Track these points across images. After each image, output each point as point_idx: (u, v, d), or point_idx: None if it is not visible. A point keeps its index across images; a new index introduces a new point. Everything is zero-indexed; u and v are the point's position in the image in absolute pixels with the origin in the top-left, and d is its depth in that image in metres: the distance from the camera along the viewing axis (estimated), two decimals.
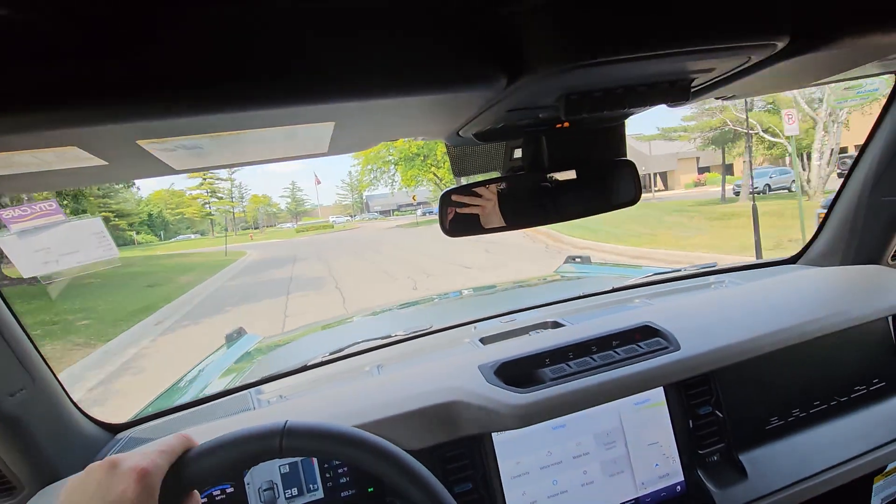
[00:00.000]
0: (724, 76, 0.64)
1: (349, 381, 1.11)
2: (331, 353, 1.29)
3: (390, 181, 33.98)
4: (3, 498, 0.79)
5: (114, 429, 1.01)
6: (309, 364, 1.20)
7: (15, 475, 0.78)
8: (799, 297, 1.13)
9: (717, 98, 0.85)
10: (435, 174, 29.45)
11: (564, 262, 2.96)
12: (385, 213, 68.76)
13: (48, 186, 0.58)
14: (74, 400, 0.93)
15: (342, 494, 0.90)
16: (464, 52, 0.47)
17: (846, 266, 1.27)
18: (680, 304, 1.16)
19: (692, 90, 0.65)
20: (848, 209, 1.24)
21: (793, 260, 1.46)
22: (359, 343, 1.30)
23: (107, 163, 0.50)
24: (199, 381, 1.60)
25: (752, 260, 1.59)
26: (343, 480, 0.92)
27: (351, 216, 70.31)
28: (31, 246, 0.72)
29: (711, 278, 1.41)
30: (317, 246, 22.79)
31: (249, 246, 29.82)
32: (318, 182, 56.24)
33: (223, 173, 50.56)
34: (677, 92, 0.63)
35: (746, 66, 0.60)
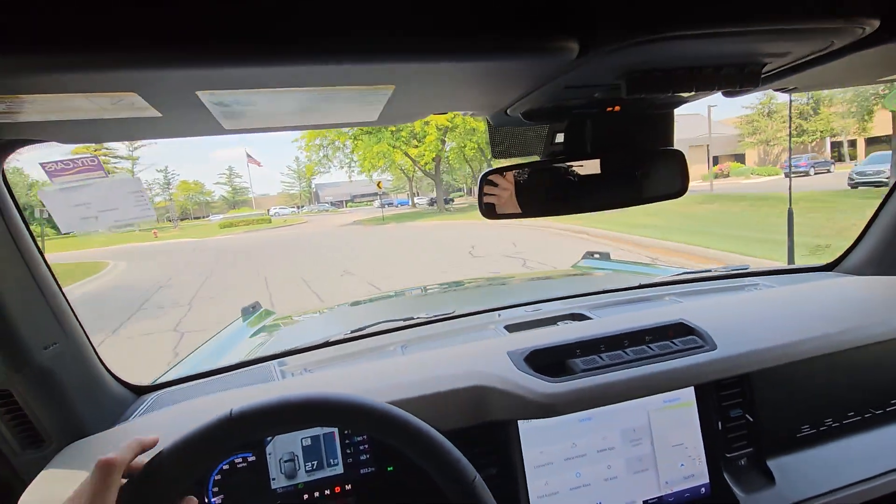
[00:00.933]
0: (799, 62, 0.61)
1: (373, 358, 1.10)
2: (352, 331, 1.29)
3: (346, 163, 27.02)
4: (31, 449, 0.80)
5: (139, 390, 1.02)
6: (332, 340, 1.20)
7: (45, 428, 0.78)
8: (839, 304, 1.09)
9: (779, 89, 0.82)
10: (406, 153, 23.02)
11: (583, 258, 2.92)
12: (337, 203, 60.03)
13: (99, 137, 0.57)
14: (103, 360, 0.94)
15: (361, 471, 0.90)
16: (538, 19, 0.45)
17: (889, 276, 1.22)
18: (713, 303, 1.13)
19: (762, 76, 0.62)
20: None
21: (829, 267, 1.41)
22: (381, 323, 1.29)
23: (161, 115, 0.49)
24: (218, 350, 1.61)
25: (785, 265, 1.55)
26: (364, 457, 0.91)
27: (298, 207, 60.71)
28: (72, 200, 0.72)
29: (744, 280, 1.38)
30: (235, 254, 14.94)
31: (139, 250, 19.22)
32: (258, 164, 43.07)
33: (122, 150, 41.59)
34: (746, 77, 0.60)
35: (826, 51, 0.56)
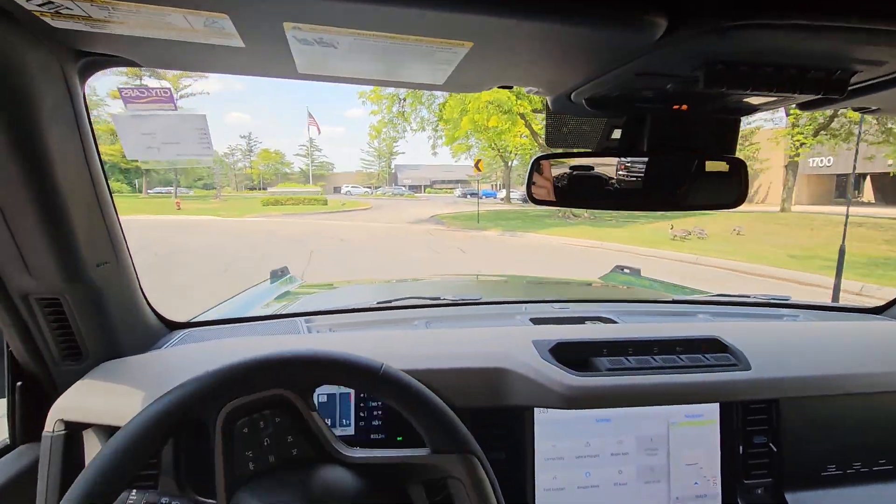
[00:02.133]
0: (893, 76, 0.58)
1: (397, 328, 1.11)
2: (378, 302, 1.30)
3: (429, 125, 19.69)
4: (70, 361, 0.84)
5: (172, 325, 1.06)
6: (358, 307, 1.22)
7: (85, 342, 0.82)
8: (884, 347, 1.04)
9: (860, 109, 0.78)
10: (527, 121, 15.66)
11: (612, 270, 2.87)
12: (415, 188, 54.76)
13: (181, 63, 0.59)
14: (144, 290, 0.98)
15: (371, 437, 0.91)
16: None
17: None
18: (750, 326, 1.09)
19: (849, 87, 0.59)
20: None
21: (878, 310, 1.34)
22: (408, 298, 1.30)
23: (243, 45, 0.50)
24: (245, 305, 1.65)
25: (829, 302, 1.48)
26: (376, 423, 0.92)
27: (373, 188, 54.25)
28: (140, 128, 0.75)
29: (784, 311, 1.32)
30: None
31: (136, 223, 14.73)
32: (318, 128, 37.98)
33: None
34: (833, 84, 0.57)
35: None
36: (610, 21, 0.44)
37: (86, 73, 0.64)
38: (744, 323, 1.15)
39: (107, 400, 0.77)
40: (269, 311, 1.55)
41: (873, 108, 0.76)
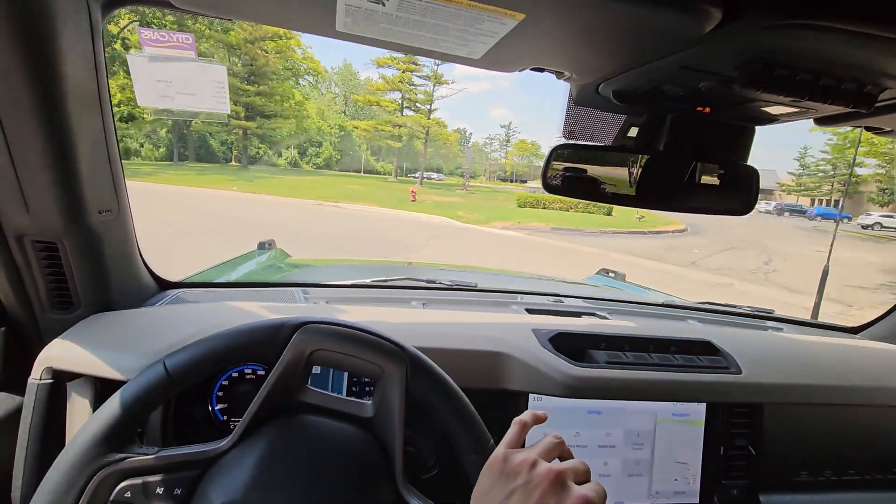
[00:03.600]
0: None
1: (394, 306, 1.10)
2: (374, 280, 1.29)
3: None
4: (59, 310, 0.81)
5: (164, 284, 1.03)
6: (356, 283, 1.20)
7: (77, 292, 0.79)
8: (864, 362, 1.08)
9: (874, 129, 0.80)
10: None
11: (597, 273, 2.91)
12: None
13: (212, 5, 0.56)
14: (140, 247, 0.95)
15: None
16: None
17: None
18: (738, 333, 1.12)
19: (876, 104, 0.60)
20: None
21: (854, 331, 1.40)
22: (403, 279, 1.30)
23: None
24: (236, 272, 1.62)
25: (809, 319, 1.53)
26: (366, 398, 0.92)
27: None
28: (156, 74, 0.72)
29: (768, 323, 1.36)
30: None
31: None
32: None
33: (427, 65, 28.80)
34: (862, 98, 0.59)
35: None
36: (667, 4, 0.44)
37: (109, 7, 0.61)
38: (733, 329, 1.18)
39: (98, 352, 0.74)
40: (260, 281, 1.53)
41: (887, 129, 0.78)
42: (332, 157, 39.59)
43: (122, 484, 0.52)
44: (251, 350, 0.58)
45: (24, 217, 0.67)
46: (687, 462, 0.94)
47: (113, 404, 0.54)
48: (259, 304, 0.91)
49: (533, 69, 0.70)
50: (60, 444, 0.75)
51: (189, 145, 30.49)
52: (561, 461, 0.50)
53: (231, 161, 33.32)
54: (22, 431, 0.72)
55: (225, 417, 0.87)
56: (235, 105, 24.76)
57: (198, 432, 0.84)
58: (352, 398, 0.63)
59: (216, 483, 0.53)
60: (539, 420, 0.57)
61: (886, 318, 1.34)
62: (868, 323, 1.38)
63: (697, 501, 0.94)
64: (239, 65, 25.59)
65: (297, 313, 0.76)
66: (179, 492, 0.53)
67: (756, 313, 1.41)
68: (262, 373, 0.89)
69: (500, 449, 0.52)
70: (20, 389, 0.74)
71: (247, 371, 0.89)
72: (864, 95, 0.58)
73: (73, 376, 0.75)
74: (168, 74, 0.72)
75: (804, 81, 0.57)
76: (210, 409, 0.86)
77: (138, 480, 0.53)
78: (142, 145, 29.73)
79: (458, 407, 0.62)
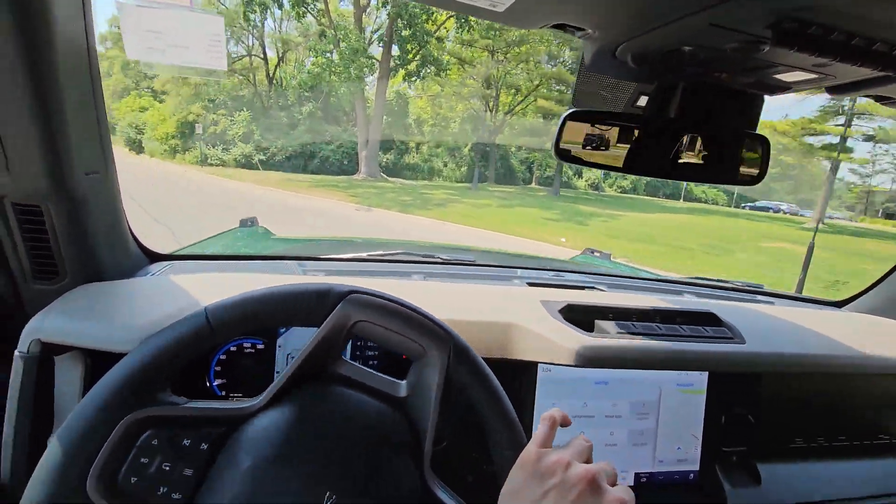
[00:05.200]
0: None
1: (394, 278, 1.07)
2: (370, 254, 1.26)
3: None
4: (43, 281, 0.76)
5: (153, 256, 0.98)
6: (354, 256, 1.17)
7: (63, 261, 0.74)
8: (848, 334, 1.11)
9: (882, 99, 0.80)
10: None
11: (583, 252, 2.93)
12: None
13: None
14: (126, 217, 0.89)
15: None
16: None
17: None
18: (734, 306, 1.14)
19: None
20: None
21: (839, 304, 1.44)
22: (401, 253, 1.27)
23: None
24: (222, 246, 1.56)
25: (795, 293, 1.57)
26: (372, 363, 0.90)
27: None
28: (146, 23, 0.66)
29: (759, 297, 1.39)
30: None
31: None
32: None
33: None
34: (890, 60, 0.58)
35: None
36: None
37: None
38: (730, 302, 1.19)
39: (89, 324, 0.69)
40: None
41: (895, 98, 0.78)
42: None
43: (150, 431, 0.49)
44: (295, 313, 0.56)
45: (4, 176, 0.61)
46: (689, 431, 0.95)
47: (147, 349, 0.50)
48: (263, 276, 0.87)
49: (555, 26, 0.67)
50: (49, 420, 0.71)
51: (490, 163, 24.04)
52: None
53: (531, 183, 25.74)
54: (9, 408, 0.67)
55: (224, 393, 0.84)
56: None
57: None
58: (386, 376, 0.60)
59: (244, 444, 0.51)
60: (566, 423, 0.56)
61: (869, 291, 1.38)
62: (852, 297, 1.42)
63: (698, 468, 0.96)
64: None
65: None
66: (205, 447, 0.51)
67: (746, 287, 1.44)
68: (261, 347, 0.86)
69: (532, 447, 0.51)
70: (4, 365, 0.69)
71: (246, 345, 0.85)
72: (894, 57, 0.57)
73: (61, 350, 0.71)
74: (159, 24, 0.67)
75: (837, 42, 0.56)
76: (208, 383, 0.83)
77: (165, 430, 0.50)
78: (445, 164, 24.39)
79: (498, 402, 0.60)
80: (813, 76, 0.72)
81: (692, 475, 0.96)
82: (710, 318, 0.98)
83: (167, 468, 0.50)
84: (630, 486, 0.92)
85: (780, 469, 0.98)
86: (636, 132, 0.86)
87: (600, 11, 0.59)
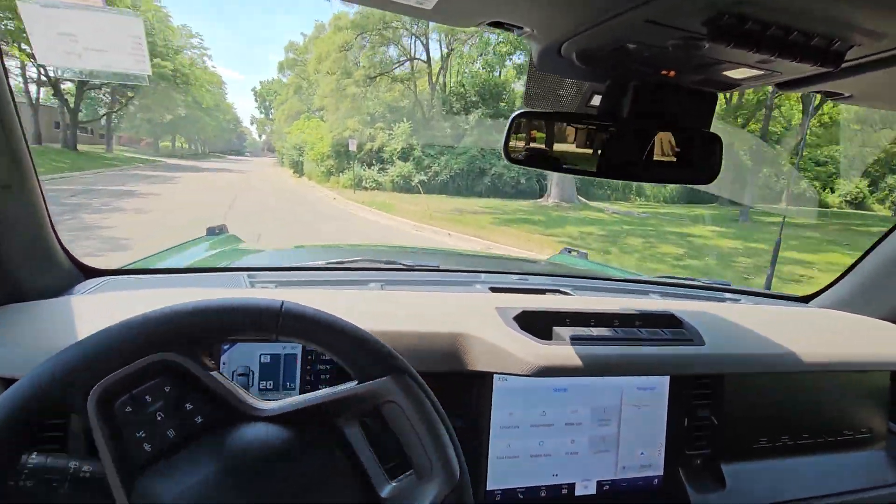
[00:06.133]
0: (884, 55, 0.58)
1: (350, 289, 1.04)
2: (329, 262, 1.22)
3: None
4: None
5: (89, 272, 0.92)
6: (308, 265, 1.13)
7: None
8: (811, 330, 1.11)
9: (833, 94, 0.79)
10: None
11: (560, 252, 2.92)
12: None
13: None
14: (58, 232, 0.84)
15: None
16: None
17: (864, 316, 1.25)
18: (698, 306, 1.13)
19: (843, 62, 0.58)
20: (885, 263, 1.22)
21: (805, 300, 1.44)
22: (362, 260, 1.23)
23: None
24: (179, 258, 1.50)
25: (763, 290, 1.57)
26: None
27: None
28: (57, 25, 0.62)
29: (726, 295, 1.39)
30: None
31: None
32: None
33: None
34: (830, 55, 0.57)
35: None
36: None
37: None
38: (694, 303, 1.18)
39: (6, 349, 0.65)
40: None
41: (846, 94, 0.77)
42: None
43: (167, 377, 0.52)
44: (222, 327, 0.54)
45: None
46: (652, 435, 0.94)
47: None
48: (189, 291, 0.82)
49: (492, 24, 0.64)
50: None
51: None
52: None
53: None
54: None
55: None
56: None
57: None
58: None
59: (227, 443, 0.52)
60: None
61: (833, 286, 1.39)
62: (817, 292, 1.42)
63: (662, 473, 0.94)
64: None
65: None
66: (199, 421, 0.53)
67: (713, 285, 1.43)
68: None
69: None
70: None
71: None
72: (833, 53, 0.56)
73: None
74: (72, 27, 0.62)
75: (774, 37, 0.54)
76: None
77: (180, 383, 0.52)
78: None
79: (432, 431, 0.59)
80: (759, 73, 0.70)
81: (656, 481, 0.94)
82: (669, 320, 0.97)
83: (159, 418, 0.51)
84: (592, 495, 0.91)
85: (744, 470, 0.97)
86: (587, 132, 0.84)
87: (535, 10, 0.57)
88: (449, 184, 16.78)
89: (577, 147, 0.85)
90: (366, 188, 16.72)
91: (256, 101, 52.37)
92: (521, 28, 0.64)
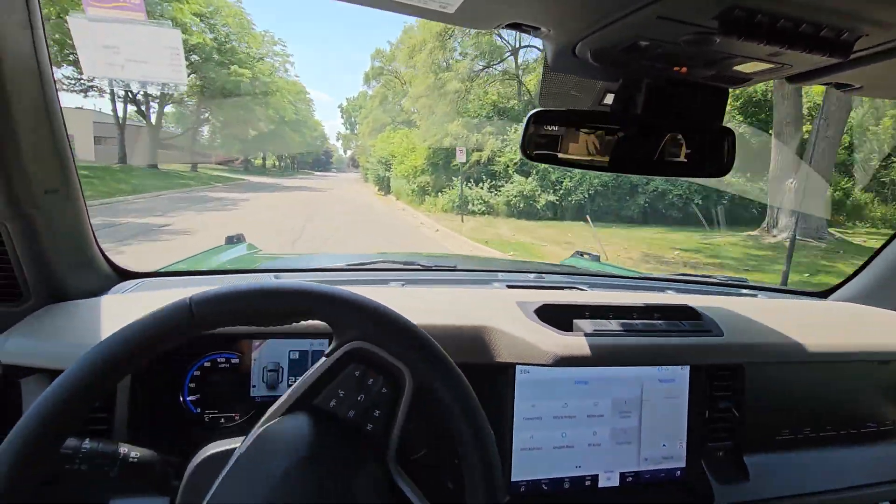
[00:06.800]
0: (892, 45, 0.60)
1: (372, 287, 1.06)
2: (349, 264, 1.25)
3: None
4: (7, 303, 0.75)
5: (124, 274, 0.96)
6: (330, 267, 1.16)
7: (26, 281, 0.73)
8: (831, 323, 1.11)
9: (845, 86, 0.81)
10: None
11: (573, 255, 2.93)
12: None
13: None
14: (97, 236, 0.88)
15: None
16: None
17: (885, 310, 1.25)
18: (716, 300, 1.14)
19: (853, 52, 0.60)
20: None
21: (824, 295, 1.44)
22: (381, 261, 1.26)
23: None
24: (205, 264, 1.55)
25: (780, 285, 1.57)
26: None
27: None
28: (102, 39, 0.66)
29: (743, 291, 1.39)
30: None
31: None
32: None
33: None
34: (839, 45, 0.59)
35: None
36: None
37: None
38: (711, 297, 1.19)
39: (54, 344, 0.68)
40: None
41: (857, 85, 0.79)
42: None
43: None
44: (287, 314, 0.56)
45: None
46: (673, 427, 0.94)
47: (128, 332, 0.51)
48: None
49: (509, 26, 0.67)
50: None
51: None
52: None
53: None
54: None
55: (199, 410, 0.82)
56: None
57: (167, 427, 0.79)
58: None
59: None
60: None
61: (851, 280, 1.39)
62: (835, 286, 1.42)
63: (684, 465, 0.95)
64: None
65: None
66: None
67: (730, 282, 1.44)
68: (236, 361, 0.85)
69: None
70: None
71: (220, 360, 0.84)
72: (842, 43, 0.58)
73: (26, 372, 0.69)
74: (115, 39, 0.66)
75: (784, 29, 0.56)
76: (182, 399, 0.81)
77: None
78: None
79: (478, 433, 0.60)
80: (770, 66, 0.72)
81: (678, 472, 0.95)
82: (687, 312, 0.98)
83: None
84: (615, 487, 0.91)
85: (767, 462, 0.97)
86: (603, 130, 0.86)
87: (552, 9, 0.60)
88: (586, 206, 12.18)
89: (590, 144, 0.87)
90: (473, 212, 12.62)
91: (342, 116, 51.41)
92: (539, 29, 0.67)
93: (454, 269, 1.27)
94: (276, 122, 26.25)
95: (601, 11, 0.59)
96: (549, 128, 0.85)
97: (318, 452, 0.53)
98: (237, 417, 0.84)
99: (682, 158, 0.87)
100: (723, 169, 0.87)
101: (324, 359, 0.59)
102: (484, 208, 12.71)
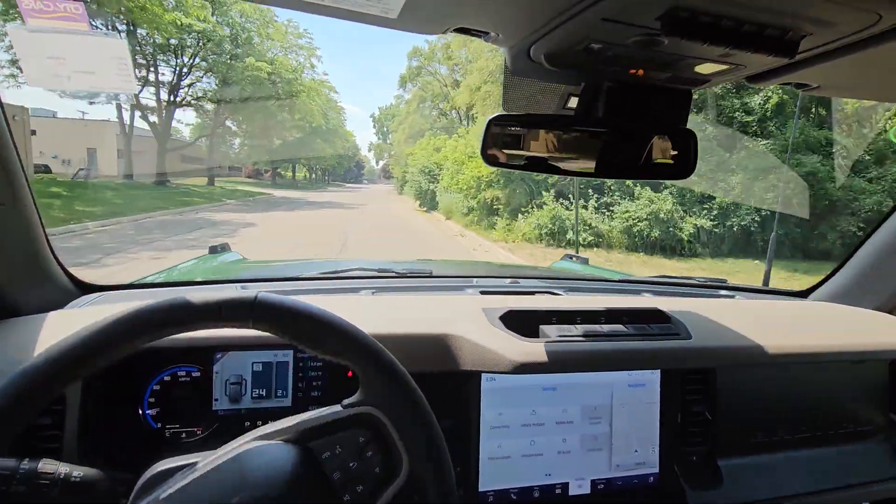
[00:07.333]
0: (839, 43, 0.59)
1: (342, 296, 1.05)
2: (322, 272, 1.24)
3: None
4: None
5: (86, 287, 0.95)
6: (301, 276, 1.15)
7: None
8: (808, 323, 1.10)
9: (801, 85, 0.80)
10: None
11: (561, 259, 2.93)
12: None
13: None
14: (53, 248, 0.86)
15: (309, 407, 0.85)
16: None
17: (860, 308, 1.24)
18: (690, 302, 1.13)
19: (798, 52, 0.60)
20: (880, 253, 1.21)
21: (803, 294, 1.43)
22: (355, 270, 1.25)
23: None
24: (178, 274, 1.53)
25: (761, 286, 1.56)
26: (315, 393, 0.87)
27: None
28: (46, 50, 0.65)
29: (721, 292, 1.38)
30: None
31: None
32: None
33: None
34: (784, 45, 0.58)
35: (872, 31, 0.55)
36: None
37: None
38: (684, 300, 1.18)
39: (2, 363, 0.67)
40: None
41: (814, 84, 0.79)
42: None
43: None
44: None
45: None
46: (645, 433, 0.93)
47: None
48: None
49: (457, 30, 0.67)
50: None
51: None
52: None
53: None
54: None
55: (159, 425, 0.81)
56: None
57: (124, 443, 0.77)
58: None
59: None
60: None
61: (831, 279, 1.38)
62: (815, 285, 1.41)
63: (657, 471, 0.93)
64: None
65: None
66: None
67: (708, 283, 1.43)
68: (196, 374, 0.83)
69: None
70: None
71: (180, 373, 0.83)
72: (787, 42, 0.58)
73: None
74: (60, 51, 0.65)
75: (726, 29, 0.56)
76: (141, 414, 0.79)
77: None
78: None
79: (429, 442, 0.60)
80: (725, 67, 0.72)
81: (652, 478, 0.93)
82: (656, 316, 0.97)
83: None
84: (587, 494, 0.90)
85: (742, 466, 0.96)
86: (563, 133, 0.86)
87: (497, 13, 0.59)
88: (740, 239, 8.30)
89: (552, 148, 0.86)
90: (570, 242, 9.17)
91: (374, 126, 49.32)
92: (487, 33, 0.66)
93: (429, 276, 1.26)
94: (305, 130, 23.73)
95: (544, 15, 0.59)
96: (511, 133, 0.85)
97: (288, 498, 0.51)
98: (199, 432, 0.82)
99: (643, 161, 0.87)
100: (686, 171, 0.86)
101: (339, 408, 0.58)
102: (592, 238, 9.06)
